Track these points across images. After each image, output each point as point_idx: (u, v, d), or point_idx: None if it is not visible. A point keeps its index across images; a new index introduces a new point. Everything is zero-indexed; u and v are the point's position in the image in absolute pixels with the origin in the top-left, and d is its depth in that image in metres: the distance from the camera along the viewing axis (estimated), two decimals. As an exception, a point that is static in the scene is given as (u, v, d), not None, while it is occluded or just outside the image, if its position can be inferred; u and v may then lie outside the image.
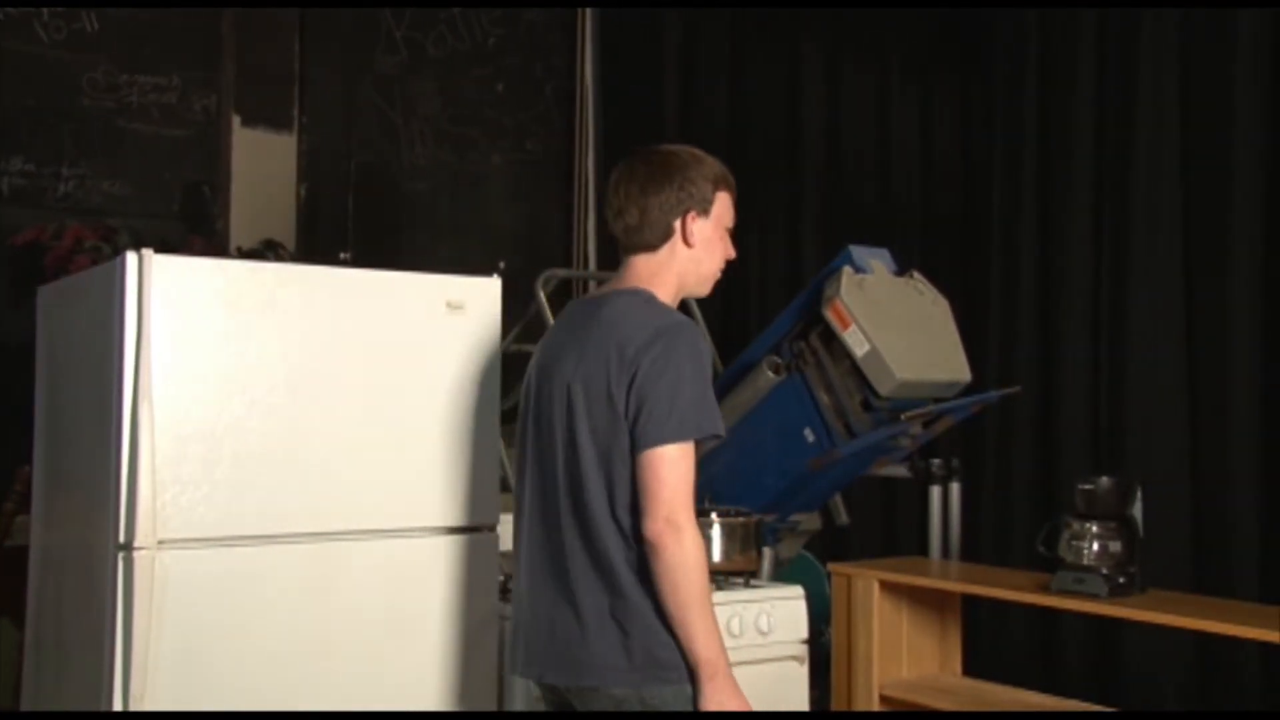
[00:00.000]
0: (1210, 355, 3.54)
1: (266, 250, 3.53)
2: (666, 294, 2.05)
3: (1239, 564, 3.40)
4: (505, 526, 2.66)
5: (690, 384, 1.89)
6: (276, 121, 4.09)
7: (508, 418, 2.81)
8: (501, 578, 2.67)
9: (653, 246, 2.05)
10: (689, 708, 1.88)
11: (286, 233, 4.05)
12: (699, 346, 1.94)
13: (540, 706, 2.11)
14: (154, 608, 2.21)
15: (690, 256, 2.05)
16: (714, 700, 1.86)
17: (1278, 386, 3.41)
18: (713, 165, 2.10)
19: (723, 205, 2.09)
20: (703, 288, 2.12)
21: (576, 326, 2.03)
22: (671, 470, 1.86)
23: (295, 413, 2.40)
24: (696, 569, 1.85)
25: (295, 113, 4.13)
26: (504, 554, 2.75)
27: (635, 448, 1.89)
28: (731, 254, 2.12)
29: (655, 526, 1.85)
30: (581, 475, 1.93)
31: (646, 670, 1.89)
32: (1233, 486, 3.44)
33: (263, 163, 4.04)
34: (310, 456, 2.41)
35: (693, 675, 1.88)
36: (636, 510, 1.89)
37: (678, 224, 2.04)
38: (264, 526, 2.36)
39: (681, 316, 1.99)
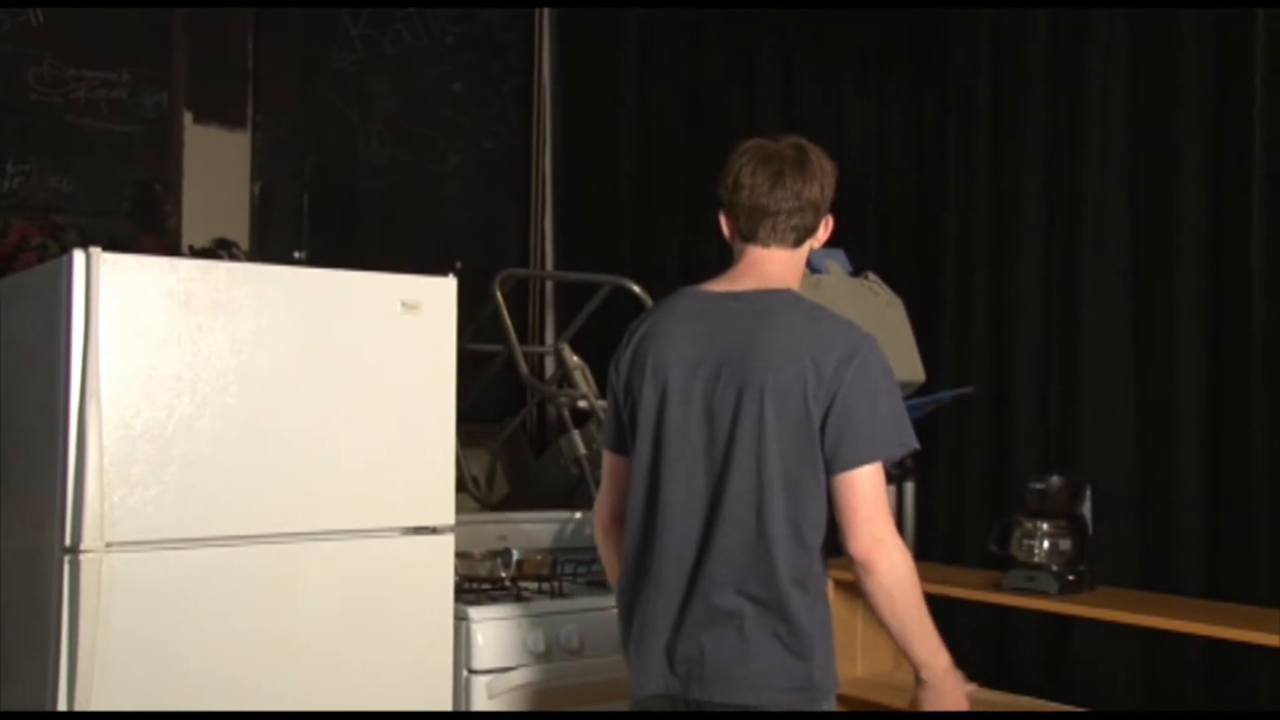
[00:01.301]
0: (1157, 357, 3.60)
1: (219, 249, 3.49)
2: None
3: (1184, 561, 3.46)
4: (460, 527, 2.66)
5: (886, 400, 1.88)
6: (230, 118, 4.04)
7: (464, 417, 2.81)
8: (456, 578, 2.66)
9: (796, 242, 1.96)
10: None
11: (240, 231, 4.01)
12: (888, 361, 1.92)
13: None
14: (101, 612, 2.18)
15: (802, 262, 2.01)
16: (948, 699, 1.93)
17: (1221, 388, 3.47)
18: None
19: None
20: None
21: (736, 327, 1.91)
22: (873, 488, 1.86)
23: (248, 413, 2.37)
24: (910, 581, 1.88)
25: (249, 110, 4.08)
26: (460, 555, 2.75)
27: (835, 466, 1.86)
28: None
29: (863, 545, 1.84)
30: (765, 489, 1.86)
31: (802, 691, 1.88)
32: (1178, 485, 3.50)
33: (216, 160, 3.99)
34: (263, 457, 2.39)
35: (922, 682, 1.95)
36: (818, 527, 1.88)
37: (823, 224, 2.00)
38: (215, 528, 2.33)
39: (865, 330, 1.93)
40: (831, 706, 1.92)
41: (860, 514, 1.85)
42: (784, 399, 1.86)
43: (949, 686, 1.94)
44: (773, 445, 1.86)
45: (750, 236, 1.98)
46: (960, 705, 1.94)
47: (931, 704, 1.94)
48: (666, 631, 1.92)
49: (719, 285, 2.03)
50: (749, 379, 1.88)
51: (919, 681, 1.95)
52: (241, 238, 3.99)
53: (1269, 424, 3.37)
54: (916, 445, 1.92)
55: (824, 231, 2.02)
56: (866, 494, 1.85)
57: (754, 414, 1.87)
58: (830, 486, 1.87)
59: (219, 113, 4.01)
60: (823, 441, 1.86)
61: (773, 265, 1.98)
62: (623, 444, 2.06)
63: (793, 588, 1.87)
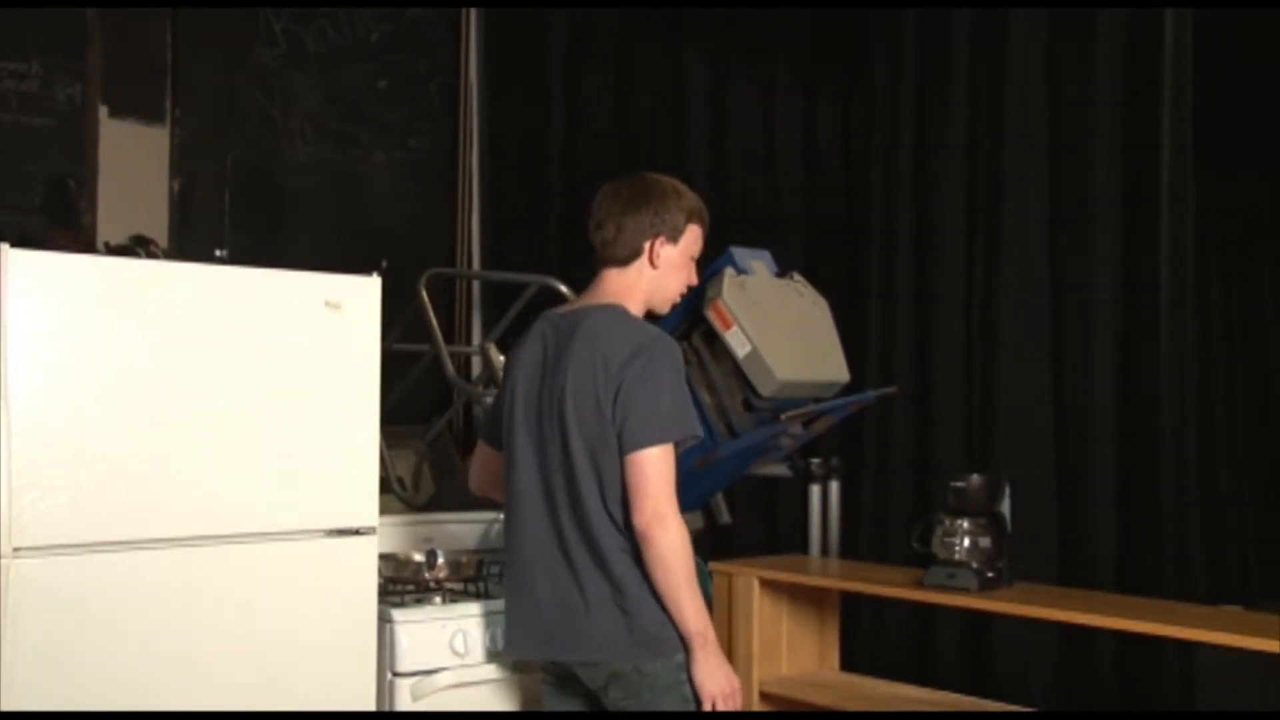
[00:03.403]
0: (1074, 358, 3.68)
1: (136, 246, 3.41)
2: (635, 306, 2.30)
3: (1098, 557, 3.54)
4: (383, 529, 2.63)
5: (670, 392, 2.15)
6: (147, 113, 3.95)
7: (389, 419, 2.78)
8: (380, 579, 2.63)
9: (623, 262, 2.30)
10: (680, 676, 2.19)
11: (159, 229, 3.93)
12: (677, 359, 2.21)
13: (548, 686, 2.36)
14: (8, 618, 2.12)
15: (655, 277, 2.31)
16: (705, 669, 2.17)
17: (1134, 390, 3.56)
18: (690, 199, 2.33)
19: (692, 236, 2.34)
20: (664, 306, 2.37)
21: (561, 338, 2.26)
22: (655, 469, 2.12)
23: (166, 414, 2.33)
24: (683, 553, 2.13)
25: (168, 105, 4.00)
26: (385, 556, 2.72)
27: (622, 450, 2.14)
28: (694, 281, 2.39)
29: (644, 519, 2.11)
30: (576, 475, 2.18)
31: (644, 646, 2.17)
32: (1093, 484, 3.59)
33: (133, 155, 3.90)
34: (182, 459, 2.34)
35: (685, 649, 2.18)
36: (626, 504, 2.15)
37: (647, 245, 2.29)
38: (131, 532, 2.28)
39: (658, 331, 2.24)
40: (676, 656, 2.18)
41: (644, 491, 2.12)
42: (581, 395, 2.18)
43: (718, 659, 2.20)
44: (575, 436, 2.18)
45: (598, 256, 2.35)
46: (732, 678, 2.21)
47: (699, 671, 2.18)
48: (531, 603, 2.26)
49: (566, 306, 2.41)
50: (556, 381, 2.23)
51: (689, 652, 2.18)
52: (160, 235, 3.91)
53: (1175, 426, 3.47)
54: (699, 433, 2.20)
55: (663, 250, 2.29)
56: (648, 474, 2.12)
57: (560, 411, 2.21)
58: (622, 467, 2.14)
59: (136, 107, 3.93)
60: (618, 430, 2.15)
61: (610, 282, 2.32)
62: (493, 437, 2.46)
63: (617, 556, 2.17)
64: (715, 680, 2.18)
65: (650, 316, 2.37)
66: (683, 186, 2.34)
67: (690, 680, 2.19)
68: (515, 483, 2.30)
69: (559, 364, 2.23)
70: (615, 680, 2.20)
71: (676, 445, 2.16)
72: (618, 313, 2.26)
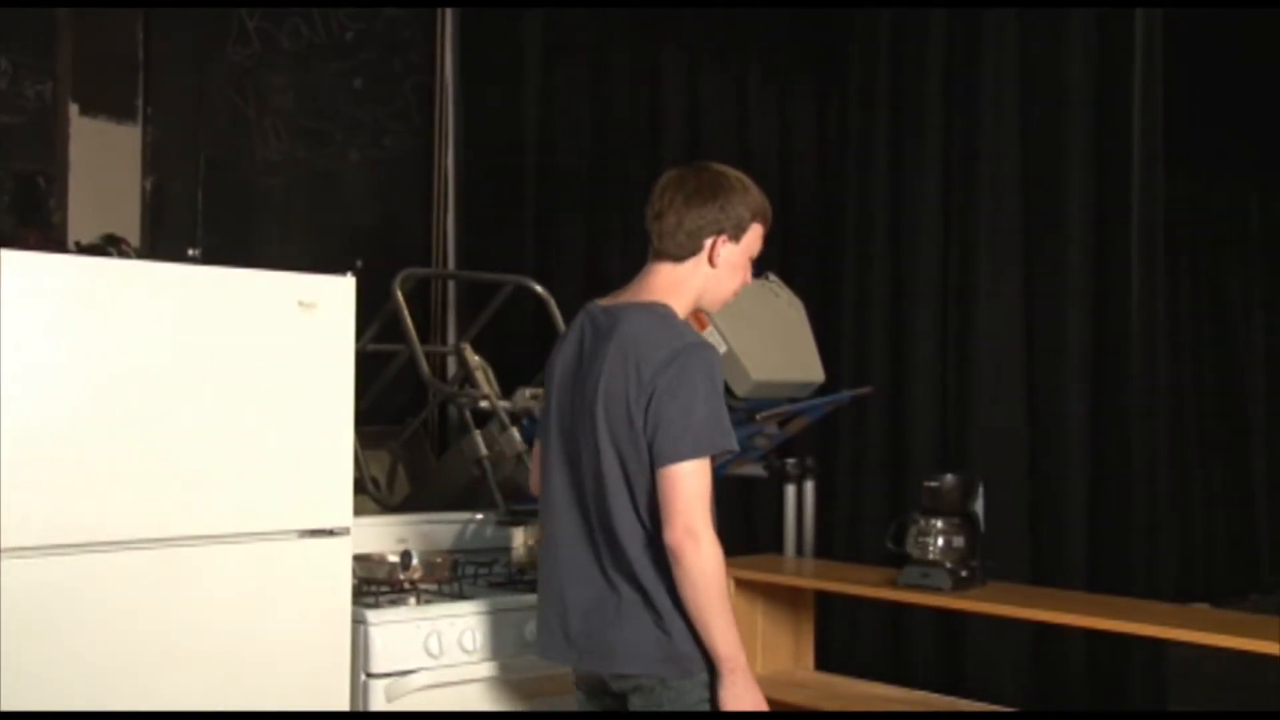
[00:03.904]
0: (1047, 360, 3.71)
1: (108, 245, 3.37)
2: (683, 305, 2.17)
3: (1070, 556, 3.57)
4: (358, 529, 2.62)
5: (704, 403, 2.02)
6: (118, 111, 3.91)
7: (364, 419, 2.77)
8: (354, 580, 2.62)
9: (679, 258, 2.16)
10: (704, 695, 2.08)
11: (130, 227, 3.89)
12: (712, 366, 2.07)
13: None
14: (-20, 620, 2.10)
15: (712, 275, 2.17)
16: (732, 694, 2.06)
17: (1106, 391, 3.59)
18: (756, 196, 2.21)
19: (754, 235, 2.21)
20: (716, 306, 2.25)
21: (599, 337, 2.14)
22: (687, 484, 2.01)
23: (139, 415, 2.31)
24: (714, 574, 2.02)
25: (139, 102, 3.96)
26: (359, 557, 2.71)
27: (654, 462, 2.03)
28: (749, 281, 2.24)
29: (675, 536, 2.00)
30: (606, 484, 2.08)
31: (672, 661, 2.08)
32: (1065, 484, 3.62)
33: (104, 154, 3.86)
34: (155, 460, 2.33)
35: (711, 669, 2.07)
36: (658, 515, 2.03)
37: (708, 242, 2.16)
38: (105, 533, 2.27)
39: (696, 336, 2.12)
40: (702, 675, 2.08)
41: (675, 506, 2.00)
42: (612, 401, 2.07)
43: (748, 685, 2.07)
44: (607, 443, 2.08)
45: (652, 247, 2.21)
46: (759, 704, 2.08)
47: (727, 695, 2.07)
48: (560, 610, 2.17)
49: (608, 299, 2.25)
50: (589, 384, 2.12)
51: (720, 677, 2.07)
52: (132, 234, 3.87)
53: (1146, 428, 3.51)
54: (733, 448, 2.06)
55: (724, 248, 2.17)
56: (680, 489, 2.00)
57: (591, 415, 2.10)
58: (654, 480, 2.04)
59: (107, 105, 3.89)
60: (649, 441, 2.04)
61: (660, 276, 2.18)
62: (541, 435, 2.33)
63: (647, 568, 2.07)
64: (743, 705, 2.07)
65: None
66: (749, 181, 2.22)
67: (713, 700, 2.09)
68: (549, 487, 2.21)
69: (592, 365, 2.12)
70: (639, 691, 2.12)
71: (713, 459, 2.05)
72: (658, 313, 2.13)
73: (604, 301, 2.24)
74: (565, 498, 2.17)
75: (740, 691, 2.06)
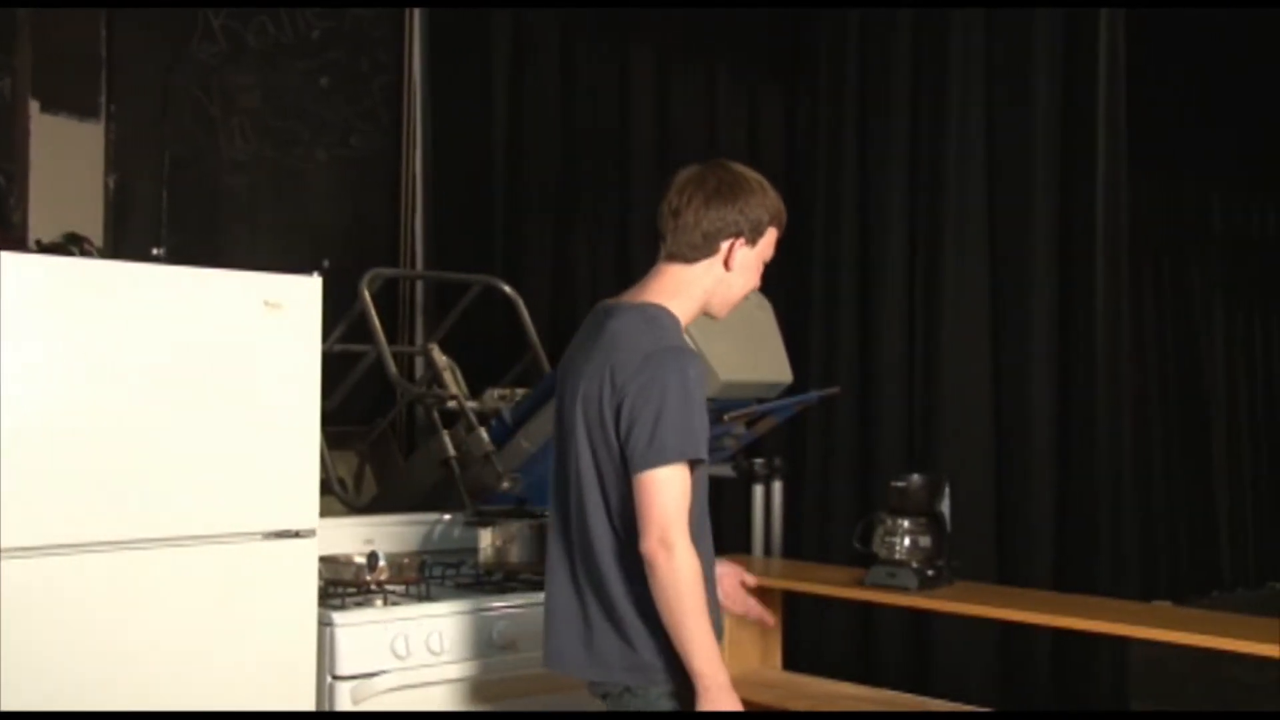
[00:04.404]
0: (1013, 360, 3.74)
1: (70, 244, 3.34)
2: (688, 308, 2.11)
3: (1036, 556, 3.60)
4: (324, 530, 2.60)
5: (674, 411, 1.96)
6: (81, 108, 3.87)
7: (332, 419, 2.75)
8: (320, 582, 2.61)
9: (691, 259, 2.09)
10: (671, 705, 2.03)
11: (93, 226, 3.85)
12: (685, 372, 1.99)
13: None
14: (-62, 624, 2.07)
15: (725, 279, 2.11)
16: (706, 711, 1.96)
17: (1071, 391, 3.63)
18: (774, 199, 2.15)
19: (769, 240, 2.15)
20: (724, 310, 2.17)
21: (589, 337, 2.10)
22: (661, 492, 1.95)
23: (101, 417, 2.28)
24: (687, 585, 1.94)
25: (102, 100, 3.92)
26: (324, 559, 2.69)
27: (629, 469, 1.98)
28: (758, 285, 2.18)
29: (649, 545, 1.94)
30: (583, 487, 2.05)
31: (635, 671, 2.04)
32: (1031, 484, 3.65)
33: (66, 151, 3.82)
34: (119, 462, 2.30)
35: (681, 679, 1.99)
36: (631, 522, 1.98)
37: (725, 245, 2.09)
38: (66, 535, 2.24)
39: (675, 341, 2.03)
40: (669, 687, 2.02)
41: (650, 515, 1.95)
42: (588, 404, 2.03)
43: (724, 704, 1.97)
44: (584, 448, 2.05)
45: (663, 246, 2.14)
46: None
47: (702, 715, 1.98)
48: (548, 615, 2.16)
49: (615, 298, 2.19)
50: (571, 387, 2.09)
51: (697, 694, 1.99)
52: (95, 233, 3.83)
53: (1110, 428, 3.54)
54: (701, 455, 1.99)
55: (740, 251, 2.10)
56: (654, 497, 1.95)
57: (572, 419, 2.07)
58: (629, 487, 1.99)
59: (69, 102, 3.84)
60: (621, 447, 2.00)
61: (666, 277, 2.12)
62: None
63: (616, 577, 2.03)
64: None
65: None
66: (767, 183, 2.16)
67: (681, 710, 2.03)
68: (551, 489, 2.19)
69: (579, 366, 2.09)
70: (609, 698, 2.11)
71: (692, 466, 1.99)
72: (648, 314, 2.06)
73: (611, 300, 2.18)
74: (556, 500, 2.14)
75: (717, 710, 1.96)
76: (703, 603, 1.96)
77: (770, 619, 2.48)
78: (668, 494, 1.95)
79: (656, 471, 1.95)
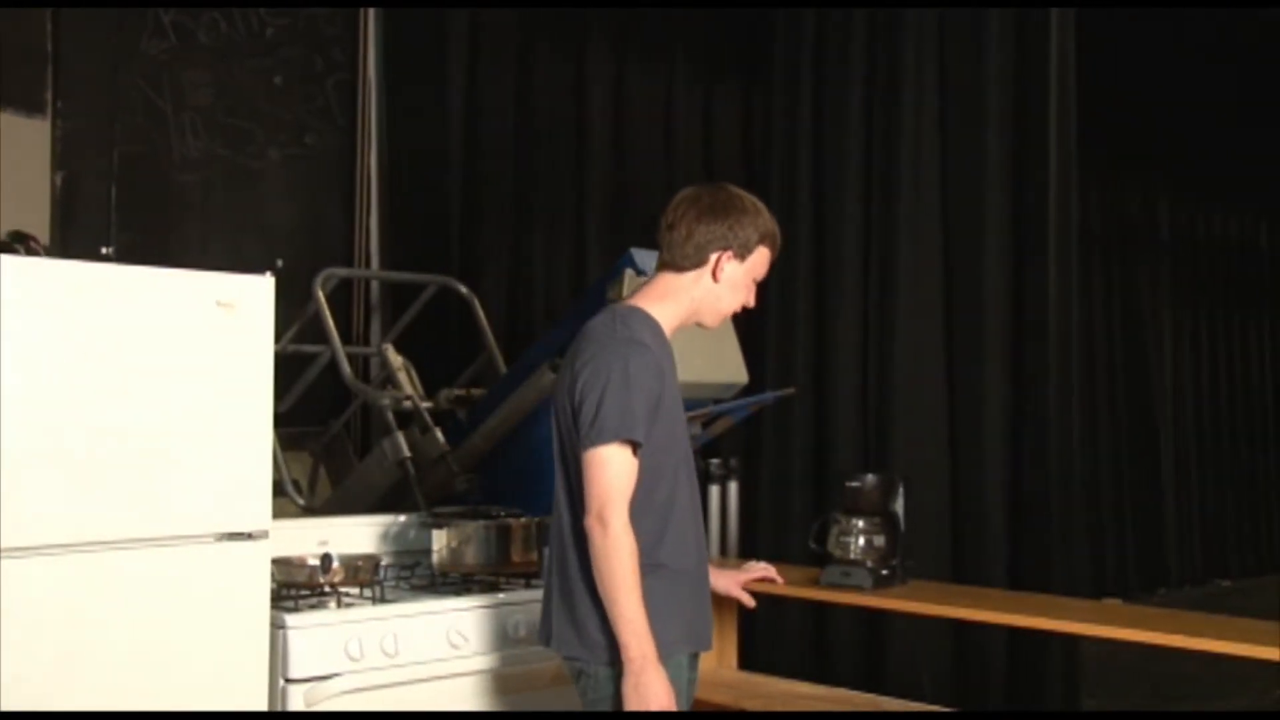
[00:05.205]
0: (966, 361, 3.78)
1: (15, 243, 3.28)
2: (673, 312, 2.24)
3: (989, 555, 3.64)
4: (277, 532, 2.58)
5: (614, 394, 2.08)
6: (27, 104, 3.80)
7: (286, 420, 2.72)
8: (273, 584, 2.58)
9: (682, 268, 2.23)
10: (616, 687, 2.08)
11: (40, 224, 3.79)
12: (628, 361, 2.11)
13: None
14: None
15: (712, 290, 2.24)
16: (630, 685, 2.03)
17: (1024, 392, 3.67)
18: (766, 220, 2.27)
19: (760, 258, 2.27)
20: (715, 321, 2.30)
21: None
22: (601, 471, 2.07)
23: (49, 417, 2.25)
24: (618, 561, 2.04)
25: (49, 95, 3.86)
26: (277, 561, 2.66)
27: (578, 449, 2.11)
28: (751, 303, 2.30)
29: (588, 520, 2.07)
30: (557, 473, 2.21)
31: (585, 648, 2.14)
32: (984, 484, 3.68)
33: (10, 148, 3.75)
34: (67, 463, 2.26)
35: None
36: (581, 502, 2.11)
37: (714, 257, 2.22)
38: (14, 538, 2.20)
39: (634, 334, 2.15)
40: (617, 668, 2.07)
41: (591, 492, 2.08)
42: (560, 395, 2.20)
43: (647, 678, 2.02)
44: (558, 437, 2.20)
45: (661, 255, 2.29)
46: (661, 701, 2.03)
47: (631, 696, 2.03)
48: (544, 597, 2.29)
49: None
50: (559, 381, 2.24)
51: (624, 666, 2.05)
52: (42, 232, 3.77)
53: (1061, 429, 3.59)
54: (636, 437, 2.08)
55: (728, 265, 2.23)
56: (595, 475, 2.08)
57: (555, 410, 2.22)
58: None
59: (14, 97, 3.78)
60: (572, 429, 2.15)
61: (659, 284, 2.27)
62: None
63: (571, 555, 2.16)
64: (642, 701, 2.01)
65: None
66: (762, 206, 2.29)
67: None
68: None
69: (569, 361, 2.22)
70: (575, 676, 2.21)
71: (635, 448, 2.08)
72: (618, 314, 2.21)
73: (615, 304, 2.35)
74: (557, 487, 2.26)
75: (638, 683, 2.02)
76: (635, 580, 2.05)
77: (774, 577, 2.70)
78: (608, 472, 2.06)
79: (597, 450, 2.07)
